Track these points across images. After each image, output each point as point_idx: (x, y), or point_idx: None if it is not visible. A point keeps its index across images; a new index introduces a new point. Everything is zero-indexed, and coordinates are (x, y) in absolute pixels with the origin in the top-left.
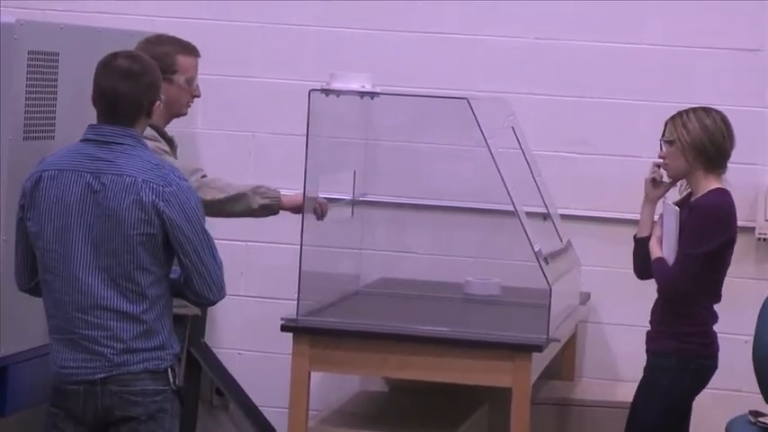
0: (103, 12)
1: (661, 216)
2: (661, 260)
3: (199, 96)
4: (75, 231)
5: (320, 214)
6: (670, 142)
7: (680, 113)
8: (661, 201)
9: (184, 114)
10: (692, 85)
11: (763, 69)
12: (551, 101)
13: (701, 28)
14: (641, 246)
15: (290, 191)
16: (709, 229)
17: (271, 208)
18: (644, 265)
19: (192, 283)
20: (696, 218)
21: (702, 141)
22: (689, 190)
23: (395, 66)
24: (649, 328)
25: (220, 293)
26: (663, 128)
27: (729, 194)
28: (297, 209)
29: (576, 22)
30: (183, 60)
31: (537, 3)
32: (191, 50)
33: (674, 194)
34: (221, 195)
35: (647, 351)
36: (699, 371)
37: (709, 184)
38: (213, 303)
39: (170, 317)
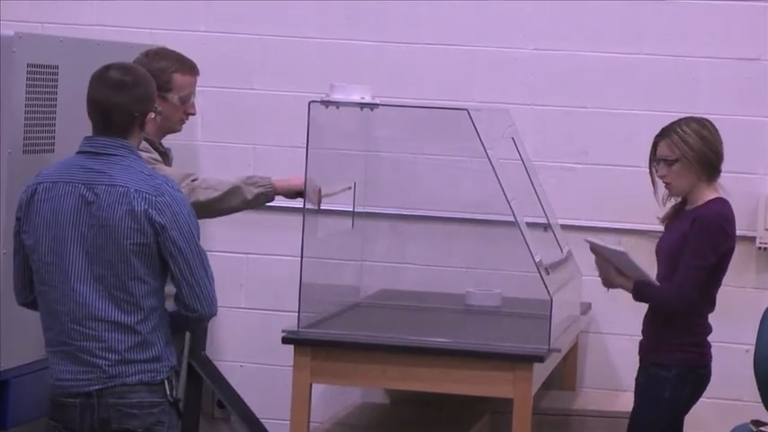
0: (102, 25)
1: (599, 256)
2: (647, 282)
3: (194, 114)
4: (69, 242)
5: (317, 199)
6: (673, 161)
7: (673, 130)
8: (588, 246)
9: (178, 131)
10: (692, 95)
11: (762, 78)
12: (551, 111)
13: (700, 37)
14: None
15: (290, 203)
16: (716, 239)
17: (266, 196)
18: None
19: (181, 295)
20: (702, 229)
21: (706, 153)
22: (677, 200)
23: (395, 77)
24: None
25: (211, 308)
26: (653, 147)
27: (729, 204)
28: (290, 193)
29: (576, 32)
30: (179, 79)
31: (537, 14)
32: (189, 69)
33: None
34: (216, 194)
35: (641, 361)
36: (698, 381)
37: (709, 193)
38: (204, 317)
39: (167, 329)
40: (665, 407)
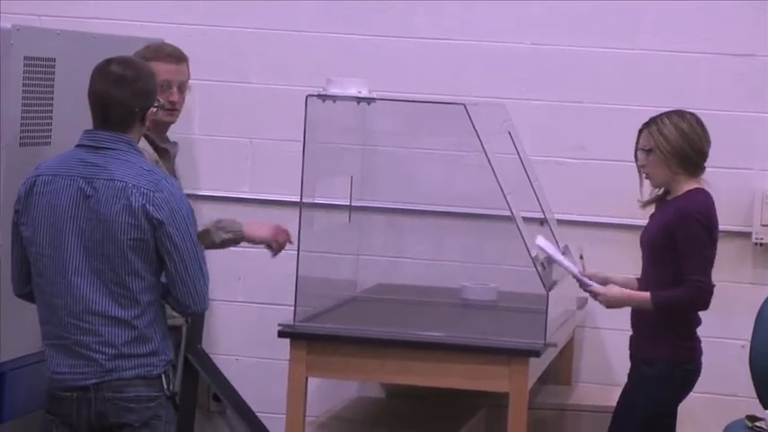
0: (100, 17)
1: (565, 259)
2: (662, 291)
3: (174, 101)
4: (67, 236)
5: (276, 249)
6: (649, 151)
7: (654, 120)
8: (543, 253)
9: (171, 122)
10: (689, 90)
11: (759, 74)
12: (548, 106)
13: (697, 33)
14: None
15: (287, 197)
16: (707, 228)
17: (234, 241)
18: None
19: (174, 290)
20: (689, 221)
21: (682, 147)
22: (661, 190)
23: (392, 71)
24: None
25: (203, 304)
26: (637, 136)
27: (710, 195)
28: (259, 241)
29: (572, 27)
30: (151, 65)
31: (534, 8)
32: (165, 55)
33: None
34: None
35: (631, 357)
36: (686, 376)
37: (690, 185)
38: (194, 314)
39: (164, 323)
40: (648, 402)
